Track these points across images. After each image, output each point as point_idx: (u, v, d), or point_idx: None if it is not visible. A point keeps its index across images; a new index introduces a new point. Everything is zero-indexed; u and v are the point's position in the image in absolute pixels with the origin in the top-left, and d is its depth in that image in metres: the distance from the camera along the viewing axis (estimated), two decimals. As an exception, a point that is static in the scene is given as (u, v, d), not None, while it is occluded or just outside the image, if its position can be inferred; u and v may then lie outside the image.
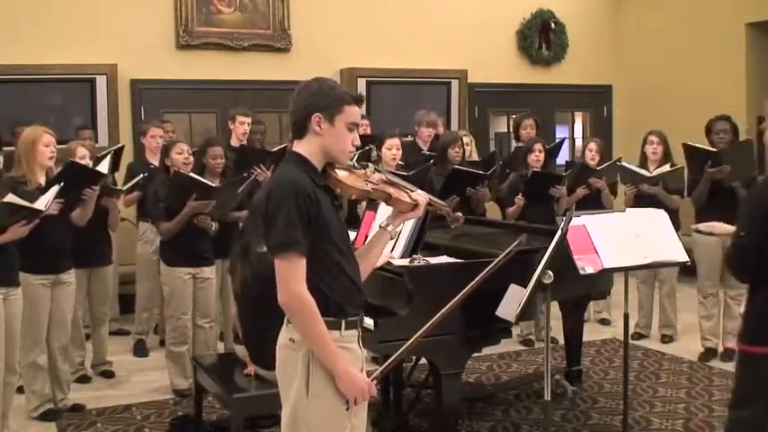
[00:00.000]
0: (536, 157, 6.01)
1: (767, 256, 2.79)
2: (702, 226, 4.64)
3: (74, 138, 6.07)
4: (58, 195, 4.45)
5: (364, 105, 8.13)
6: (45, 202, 4.35)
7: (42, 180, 4.56)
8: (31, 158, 4.50)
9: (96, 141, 7.15)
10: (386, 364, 2.70)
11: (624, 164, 6.28)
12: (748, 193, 3.17)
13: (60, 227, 4.64)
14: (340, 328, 2.52)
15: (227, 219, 5.46)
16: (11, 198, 4.21)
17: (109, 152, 5.76)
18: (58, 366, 4.83)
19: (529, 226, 5.24)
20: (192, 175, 5.08)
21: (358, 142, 2.64)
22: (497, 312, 3.45)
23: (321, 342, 2.45)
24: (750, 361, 2.85)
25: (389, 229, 2.75)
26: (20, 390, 4.68)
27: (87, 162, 5.05)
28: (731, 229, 3.28)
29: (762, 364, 2.80)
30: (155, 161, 6.15)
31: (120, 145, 6.79)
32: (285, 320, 2.57)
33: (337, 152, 2.57)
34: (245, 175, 5.63)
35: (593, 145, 6.47)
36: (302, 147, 2.57)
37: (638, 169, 6.04)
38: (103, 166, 5.05)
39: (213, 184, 5.10)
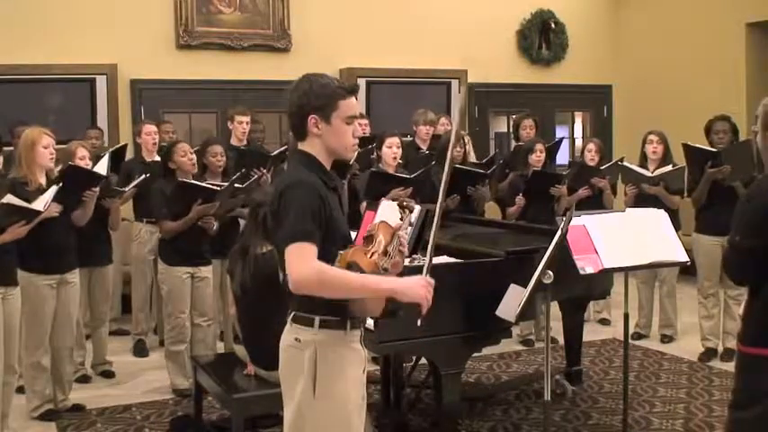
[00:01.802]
0: (537, 157, 6.01)
1: (765, 259, 2.78)
2: None
3: (76, 137, 6.06)
4: (58, 197, 4.45)
5: (364, 106, 8.24)
6: (44, 203, 4.36)
7: (43, 180, 4.57)
8: (31, 160, 4.51)
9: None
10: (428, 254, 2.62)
11: (625, 164, 6.29)
12: (743, 195, 3.15)
13: (64, 227, 4.65)
14: (345, 328, 2.51)
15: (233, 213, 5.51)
16: (9, 199, 4.22)
17: (105, 153, 5.76)
18: (62, 367, 4.82)
19: (529, 226, 5.25)
20: (196, 182, 5.10)
21: (359, 133, 2.63)
22: (497, 312, 3.45)
23: (365, 286, 2.41)
24: (750, 363, 2.84)
25: None
26: (20, 390, 4.69)
27: (87, 162, 5.06)
28: None
29: (762, 366, 2.80)
30: (150, 159, 6.19)
31: (122, 144, 6.79)
32: (289, 321, 2.56)
33: (340, 149, 2.57)
34: (244, 171, 5.64)
35: (591, 145, 6.46)
36: (306, 148, 2.56)
37: (639, 169, 6.04)
38: (102, 168, 5.05)
39: (217, 188, 5.10)
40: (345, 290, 2.42)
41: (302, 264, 2.35)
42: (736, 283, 3.07)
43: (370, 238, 2.56)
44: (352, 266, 2.42)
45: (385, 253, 2.52)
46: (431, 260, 2.61)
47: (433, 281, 2.51)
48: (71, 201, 4.68)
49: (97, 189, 4.88)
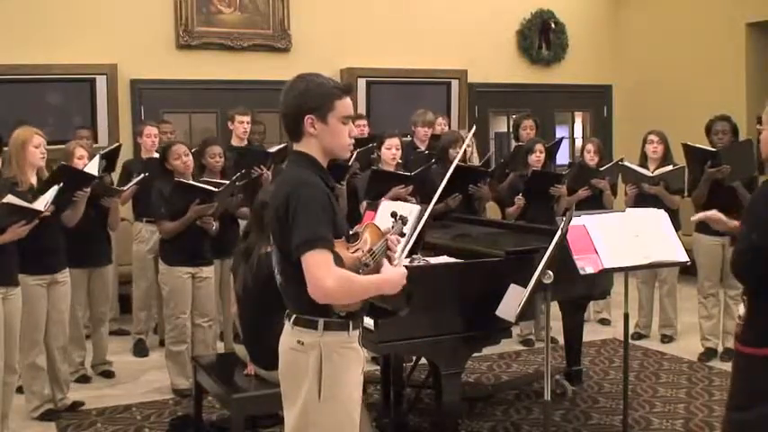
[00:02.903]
0: (537, 158, 6.01)
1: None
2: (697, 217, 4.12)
3: (73, 138, 6.06)
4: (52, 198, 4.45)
5: (364, 106, 8.23)
6: (44, 203, 4.36)
7: (33, 180, 4.57)
8: (22, 159, 4.51)
9: (96, 141, 7.15)
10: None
11: (626, 163, 6.28)
12: (756, 192, 3.06)
13: (53, 227, 4.64)
14: (348, 329, 2.51)
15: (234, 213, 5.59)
16: (10, 198, 4.22)
17: (98, 154, 5.78)
18: (57, 366, 4.83)
19: (529, 226, 5.25)
20: (193, 182, 5.09)
21: (355, 132, 2.63)
22: (497, 312, 3.45)
23: (369, 289, 2.49)
24: (752, 363, 2.83)
25: None
26: (20, 390, 4.69)
27: (86, 162, 5.05)
28: (728, 222, 3.20)
29: (763, 366, 2.79)
30: (147, 156, 6.22)
31: (116, 144, 6.79)
32: (289, 323, 2.56)
33: (337, 149, 2.56)
34: (243, 171, 5.63)
35: (590, 146, 6.46)
36: (302, 148, 2.55)
37: (639, 169, 6.04)
38: (93, 168, 5.04)
39: (215, 189, 5.09)
40: (363, 294, 2.47)
41: (324, 274, 2.35)
42: (748, 284, 2.87)
43: (355, 236, 2.58)
44: (336, 257, 2.42)
45: (370, 252, 2.53)
46: (408, 246, 2.71)
47: (405, 270, 2.59)
48: (62, 201, 4.67)
49: (88, 190, 4.87)
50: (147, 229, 6.13)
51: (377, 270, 2.52)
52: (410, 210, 4.04)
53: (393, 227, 2.72)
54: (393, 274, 2.51)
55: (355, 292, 2.44)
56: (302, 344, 2.50)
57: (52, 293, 4.72)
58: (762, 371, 2.79)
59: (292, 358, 2.54)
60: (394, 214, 2.75)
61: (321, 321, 2.48)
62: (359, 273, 2.47)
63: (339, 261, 2.42)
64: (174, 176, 5.11)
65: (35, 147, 4.53)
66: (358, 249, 2.52)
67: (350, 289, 2.41)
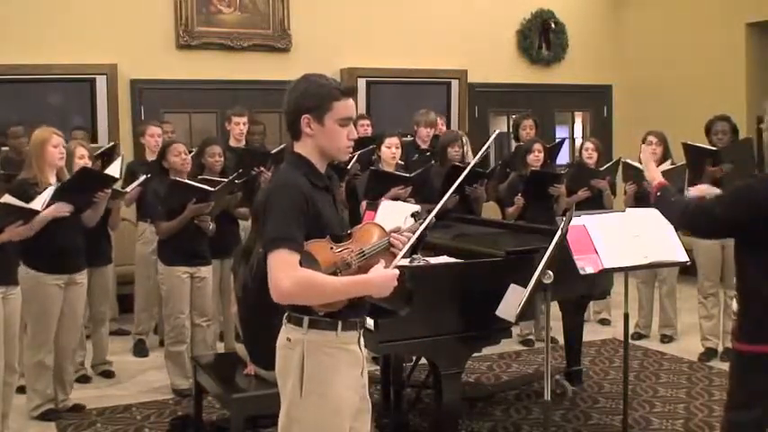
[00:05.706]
0: (535, 157, 6.01)
1: (760, 255, 2.79)
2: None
3: (68, 138, 6.06)
4: (68, 198, 4.46)
5: (364, 106, 8.22)
6: (41, 203, 4.36)
7: (53, 180, 4.58)
8: (41, 160, 4.52)
9: (96, 141, 7.15)
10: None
11: (627, 160, 6.26)
12: (747, 181, 3.11)
13: (73, 227, 4.66)
14: (336, 329, 2.49)
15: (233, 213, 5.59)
16: (7, 199, 4.23)
17: (120, 156, 5.80)
18: (64, 367, 4.82)
19: (529, 226, 5.25)
20: (188, 181, 5.09)
21: (354, 135, 2.62)
22: (497, 312, 3.45)
23: (341, 291, 2.41)
24: (749, 361, 2.83)
25: None
26: (20, 389, 4.68)
27: (87, 161, 5.06)
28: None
29: (762, 363, 2.79)
30: (152, 159, 6.18)
31: (110, 144, 6.77)
32: (284, 320, 2.56)
33: (333, 150, 2.56)
34: (241, 171, 5.63)
35: (589, 144, 6.45)
36: (300, 148, 2.56)
37: (641, 166, 6.00)
38: (115, 170, 5.07)
39: (210, 188, 5.09)
40: (328, 295, 2.41)
41: (282, 275, 2.34)
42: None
43: (348, 236, 2.56)
44: (308, 257, 2.40)
45: (360, 252, 2.51)
46: (410, 248, 2.64)
47: (398, 271, 2.52)
48: (82, 202, 4.68)
49: (109, 190, 4.88)
50: (150, 230, 6.11)
51: (365, 271, 2.48)
52: (410, 210, 4.04)
53: (411, 226, 2.71)
54: (378, 276, 2.45)
55: (319, 294, 2.39)
56: (290, 341, 2.51)
57: (69, 294, 4.73)
58: (760, 369, 2.79)
59: (283, 355, 2.56)
60: (414, 215, 2.73)
61: (306, 319, 2.48)
62: (338, 273, 2.43)
63: (314, 261, 2.40)
64: (171, 175, 5.11)
65: (54, 146, 4.55)
66: (346, 249, 2.51)
67: (311, 291, 2.37)
